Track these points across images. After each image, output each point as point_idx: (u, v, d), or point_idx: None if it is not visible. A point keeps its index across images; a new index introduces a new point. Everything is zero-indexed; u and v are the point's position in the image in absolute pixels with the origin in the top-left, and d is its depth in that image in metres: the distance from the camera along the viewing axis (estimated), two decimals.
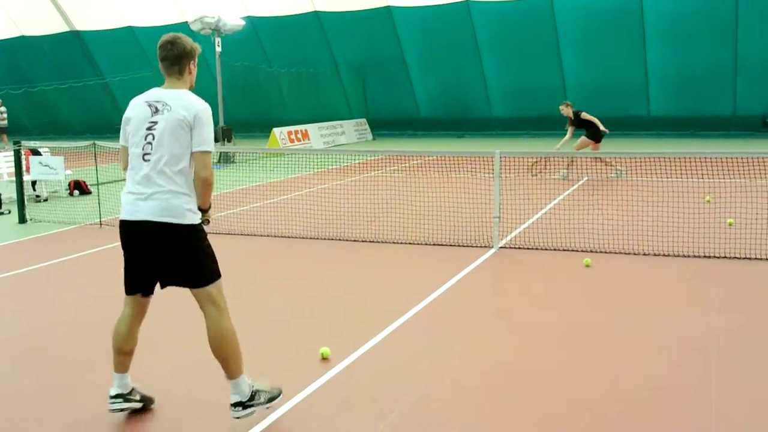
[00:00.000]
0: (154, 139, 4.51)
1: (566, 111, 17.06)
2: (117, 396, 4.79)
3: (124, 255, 4.74)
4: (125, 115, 4.70)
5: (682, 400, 4.96)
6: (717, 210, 11.05)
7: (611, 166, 16.29)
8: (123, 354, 4.81)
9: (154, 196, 4.48)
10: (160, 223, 4.48)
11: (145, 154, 4.53)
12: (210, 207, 4.77)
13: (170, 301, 5.44)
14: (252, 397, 4.66)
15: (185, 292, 4.70)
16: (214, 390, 5.09)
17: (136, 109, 4.65)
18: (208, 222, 4.79)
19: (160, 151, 4.49)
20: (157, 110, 4.55)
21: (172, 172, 4.50)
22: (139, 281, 4.73)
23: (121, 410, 4.82)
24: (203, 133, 4.53)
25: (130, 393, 4.85)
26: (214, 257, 4.69)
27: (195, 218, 4.59)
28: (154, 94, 4.66)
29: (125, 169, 4.73)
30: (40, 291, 8.43)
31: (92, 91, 37.79)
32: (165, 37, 4.71)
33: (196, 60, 4.81)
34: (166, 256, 4.57)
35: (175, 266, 4.59)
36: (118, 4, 35.91)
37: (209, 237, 4.73)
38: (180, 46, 4.67)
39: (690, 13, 27.37)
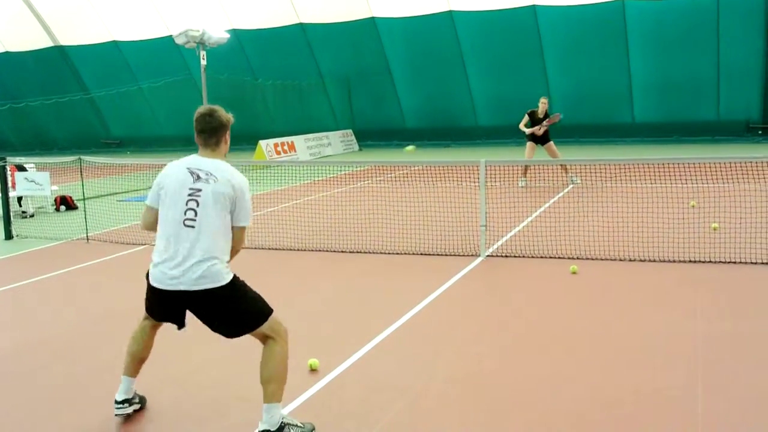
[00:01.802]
0: (198, 206, 4.58)
1: (546, 107, 17.12)
2: (124, 401, 4.96)
3: (153, 307, 4.84)
4: (161, 180, 4.79)
5: (668, 405, 4.99)
6: (702, 215, 11.12)
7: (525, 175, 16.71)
8: (138, 360, 5.00)
9: (194, 263, 4.52)
10: (200, 291, 4.54)
11: (186, 220, 4.57)
12: None
13: None
14: (280, 429, 4.59)
15: None
16: (200, 402, 5.10)
17: (174, 174, 4.73)
18: None
19: (204, 219, 4.57)
20: (199, 177, 4.63)
21: (212, 239, 4.57)
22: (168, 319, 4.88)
23: (127, 415, 4.99)
24: (246, 208, 4.70)
25: (133, 398, 5.03)
26: (257, 298, 4.79)
27: (230, 275, 4.67)
28: (193, 161, 4.75)
29: (147, 228, 4.89)
30: (26, 307, 8.40)
31: (77, 106, 37.73)
32: (201, 109, 4.83)
33: (229, 131, 4.95)
34: (210, 318, 4.68)
35: (222, 323, 4.69)
36: (103, 18, 35.88)
37: None
38: (217, 119, 4.81)
39: (672, 20, 27.61)
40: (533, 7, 29.29)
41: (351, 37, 32.45)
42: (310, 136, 30.62)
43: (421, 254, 10.12)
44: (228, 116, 4.91)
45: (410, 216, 11.97)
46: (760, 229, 10.09)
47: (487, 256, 9.81)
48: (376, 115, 34.36)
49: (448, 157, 27.75)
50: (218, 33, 23.81)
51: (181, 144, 33.89)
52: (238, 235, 4.75)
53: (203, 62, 23.35)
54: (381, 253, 10.31)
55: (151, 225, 4.83)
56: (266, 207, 14.72)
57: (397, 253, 10.23)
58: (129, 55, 36.37)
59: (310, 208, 14.05)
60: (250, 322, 4.70)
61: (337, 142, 32.40)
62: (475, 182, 11.02)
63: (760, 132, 28.46)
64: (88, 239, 12.23)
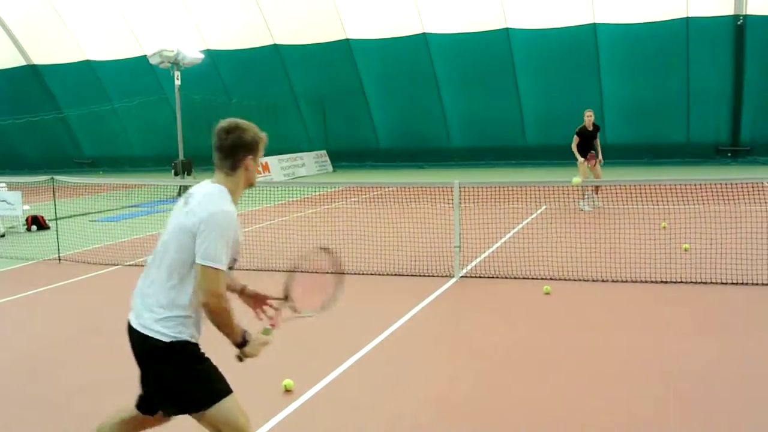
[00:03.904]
0: (163, 236, 3.78)
1: (592, 119, 16.98)
2: None
3: None
4: None
5: (641, 426, 5.03)
6: (673, 236, 11.23)
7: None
8: None
9: (139, 304, 3.77)
10: (137, 332, 3.73)
11: (154, 252, 3.79)
12: (245, 341, 4.00)
13: None
14: None
15: None
16: None
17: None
18: (241, 359, 4.01)
19: (163, 254, 3.73)
20: (186, 203, 3.78)
21: (164, 281, 3.71)
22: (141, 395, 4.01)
23: None
24: (204, 242, 3.61)
25: None
26: (205, 375, 3.93)
27: (170, 336, 3.72)
28: (198, 186, 3.94)
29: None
30: None
31: (50, 126, 37.44)
32: (223, 122, 3.92)
33: (259, 154, 3.93)
34: (148, 377, 3.87)
35: (157, 388, 3.86)
36: (76, 38, 35.72)
37: None
38: (238, 136, 3.84)
39: (643, 43, 27.96)
40: (506, 29, 29.55)
41: (325, 58, 32.52)
42: (284, 156, 30.58)
43: (395, 275, 10.13)
44: (255, 134, 3.86)
45: (384, 237, 11.98)
46: (730, 250, 10.20)
47: (461, 276, 9.84)
48: (349, 136, 34.39)
49: (422, 178, 27.80)
50: (193, 53, 23.85)
51: (153, 164, 33.95)
52: (198, 275, 3.65)
53: (177, 82, 23.33)
54: (355, 273, 10.29)
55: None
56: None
57: (371, 274, 10.23)
58: (102, 74, 36.20)
59: (283, 229, 14.02)
60: (185, 400, 3.79)
61: (311, 162, 32.40)
62: (449, 203, 11.08)
63: (729, 154, 28.85)
64: (60, 259, 12.12)
